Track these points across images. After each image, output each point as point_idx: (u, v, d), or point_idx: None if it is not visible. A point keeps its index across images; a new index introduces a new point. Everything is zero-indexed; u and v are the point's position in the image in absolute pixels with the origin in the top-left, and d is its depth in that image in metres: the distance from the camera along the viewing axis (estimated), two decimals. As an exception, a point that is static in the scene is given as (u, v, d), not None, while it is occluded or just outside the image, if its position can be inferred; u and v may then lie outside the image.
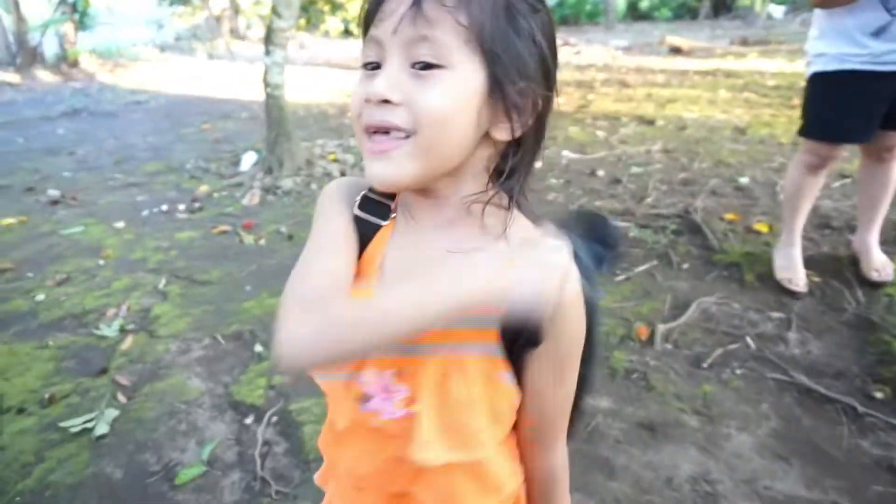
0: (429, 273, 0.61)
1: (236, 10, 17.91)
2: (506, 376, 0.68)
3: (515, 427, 0.74)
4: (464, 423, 0.67)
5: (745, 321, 2.30)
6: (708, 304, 2.40)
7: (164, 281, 2.79)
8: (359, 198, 0.73)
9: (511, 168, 0.67)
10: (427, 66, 0.60)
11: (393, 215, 0.72)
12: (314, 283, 0.64)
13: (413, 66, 0.60)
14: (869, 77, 2.06)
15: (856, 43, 2.06)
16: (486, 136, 0.65)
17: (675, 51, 11.07)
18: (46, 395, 1.98)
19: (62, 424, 1.84)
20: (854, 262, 2.60)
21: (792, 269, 2.49)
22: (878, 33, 1.99)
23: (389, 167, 0.62)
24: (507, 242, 0.67)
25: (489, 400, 0.68)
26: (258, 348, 2.24)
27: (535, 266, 0.59)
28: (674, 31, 14.02)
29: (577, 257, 0.65)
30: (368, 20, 0.65)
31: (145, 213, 3.78)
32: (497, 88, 0.62)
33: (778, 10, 17.60)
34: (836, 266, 2.62)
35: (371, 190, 0.73)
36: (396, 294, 0.59)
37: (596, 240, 0.75)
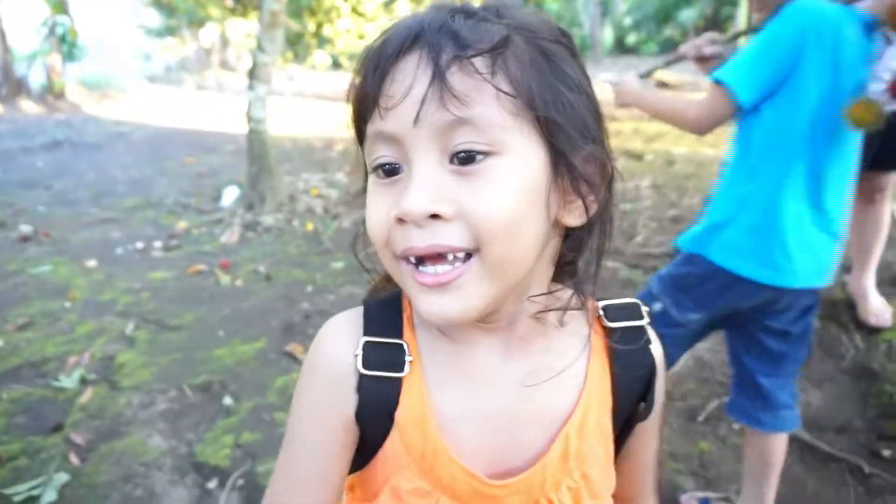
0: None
1: (226, 43, 18.03)
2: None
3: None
4: None
5: (741, 369, 2.20)
6: (701, 352, 2.30)
7: (132, 326, 2.65)
8: (360, 350, 0.55)
9: (584, 258, 0.54)
10: (471, 157, 0.45)
11: (409, 358, 0.55)
12: None
13: (452, 159, 0.46)
14: None
15: None
16: (554, 223, 0.51)
17: (662, 85, 11.17)
18: (-8, 457, 1.82)
19: (6, 492, 1.68)
20: (851, 305, 2.51)
21: (787, 313, 2.40)
22: None
23: (458, 301, 0.48)
24: (590, 344, 0.60)
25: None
26: (227, 401, 2.10)
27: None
28: (659, 66, 14.19)
29: None
30: (366, 105, 0.49)
31: (119, 250, 3.65)
32: (562, 163, 0.48)
33: (760, 46, 17.98)
34: (832, 309, 2.53)
35: (369, 327, 0.57)
36: None
37: None
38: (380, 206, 0.49)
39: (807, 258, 1.26)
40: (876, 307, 2.40)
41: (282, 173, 4.60)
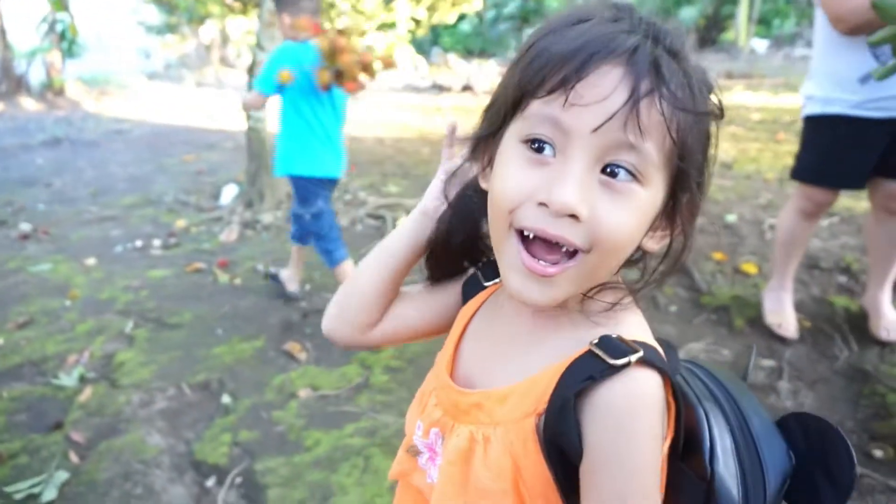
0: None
1: (226, 40, 18.01)
2: (549, 487, 0.55)
3: None
4: None
5: (736, 370, 2.21)
6: (697, 351, 2.32)
7: (131, 324, 2.66)
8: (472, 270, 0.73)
9: (655, 272, 0.58)
10: (618, 174, 0.51)
11: (496, 280, 0.67)
12: None
13: (604, 169, 0.51)
14: (857, 122, 1.99)
15: (843, 87, 2.00)
16: None
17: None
18: (-7, 455, 1.84)
19: (7, 489, 1.70)
20: (846, 308, 2.53)
21: (782, 314, 2.41)
22: (865, 79, 1.94)
23: (545, 294, 0.53)
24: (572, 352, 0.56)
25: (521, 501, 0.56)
26: (225, 399, 2.11)
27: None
28: (659, 64, 14.17)
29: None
30: (546, 81, 0.50)
31: (118, 248, 3.66)
32: (671, 203, 0.55)
33: (761, 45, 17.95)
34: (827, 310, 2.55)
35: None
36: None
37: (820, 460, 0.60)
38: (522, 180, 0.52)
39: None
40: (889, 321, 2.32)
41: (281, 172, 4.61)
